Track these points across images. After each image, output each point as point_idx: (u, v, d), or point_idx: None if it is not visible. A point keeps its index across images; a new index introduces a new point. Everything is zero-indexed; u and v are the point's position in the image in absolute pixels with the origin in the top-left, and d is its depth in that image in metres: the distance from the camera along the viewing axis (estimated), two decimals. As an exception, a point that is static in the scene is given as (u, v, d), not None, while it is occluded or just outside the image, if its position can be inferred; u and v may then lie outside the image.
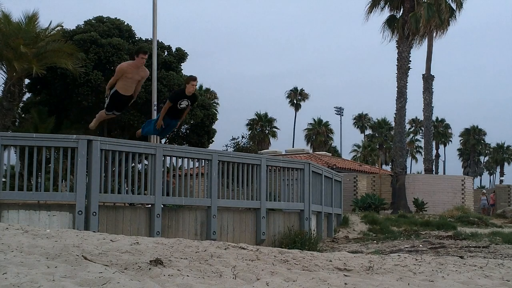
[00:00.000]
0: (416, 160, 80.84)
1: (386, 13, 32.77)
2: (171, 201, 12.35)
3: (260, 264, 5.40)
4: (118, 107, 9.89)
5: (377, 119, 78.02)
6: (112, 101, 9.81)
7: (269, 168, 13.43)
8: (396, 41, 31.89)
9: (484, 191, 38.18)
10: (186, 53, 33.09)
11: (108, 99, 9.79)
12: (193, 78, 10.24)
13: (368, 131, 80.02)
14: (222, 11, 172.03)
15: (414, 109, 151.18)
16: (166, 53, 32.39)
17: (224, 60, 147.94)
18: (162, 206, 11.59)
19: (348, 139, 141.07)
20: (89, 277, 4.25)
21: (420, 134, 74.61)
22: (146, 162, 12.30)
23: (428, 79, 34.69)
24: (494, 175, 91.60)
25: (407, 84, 31.34)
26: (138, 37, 32.10)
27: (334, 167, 32.24)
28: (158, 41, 24.31)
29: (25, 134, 13.76)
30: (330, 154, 47.97)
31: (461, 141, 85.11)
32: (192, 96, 10.54)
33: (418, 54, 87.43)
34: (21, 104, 29.80)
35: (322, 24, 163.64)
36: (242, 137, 35.31)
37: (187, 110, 10.87)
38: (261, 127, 71.44)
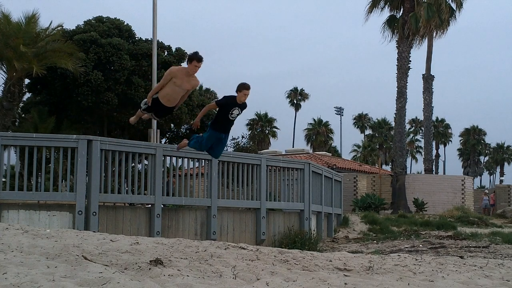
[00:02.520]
0: (416, 160, 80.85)
1: (386, 13, 32.80)
2: (171, 201, 12.36)
3: (260, 264, 5.40)
4: (158, 113, 8.82)
5: (377, 119, 78.02)
6: (151, 106, 8.76)
7: (269, 168, 13.43)
8: (396, 41, 31.90)
9: (486, 191, 38.18)
10: (186, 53, 33.07)
11: (148, 104, 8.66)
12: (246, 87, 9.11)
13: (368, 131, 80.00)
14: (222, 11, 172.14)
15: (414, 109, 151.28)
16: (166, 53, 32.40)
17: (224, 60, 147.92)
18: (162, 206, 11.60)
19: (348, 139, 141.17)
20: (89, 277, 4.24)
21: (420, 134, 74.59)
22: (146, 162, 12.29)
23: (428, 79, 34.68)
24: (494, 175, 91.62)
25: (407, 84, 31.34)
26: (138, 37, 32.10)
27: (334, 167, 32.23)
28: (158, 41, 24.37)
29: (25, 134, 13.76)
30: (330, 154, 47.95)
31: (461, 141, 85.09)
32: (243, 104, 9.39)
33: (418, 54, 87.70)
34: (21, 104, 29.78)
35: (322, 24, 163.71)
36: (242, 137, 35.29)
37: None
38: (261, 127, 71.41)
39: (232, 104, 8.95)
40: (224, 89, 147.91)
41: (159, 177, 11.21)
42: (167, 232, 11.24)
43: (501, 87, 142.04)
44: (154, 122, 19.13)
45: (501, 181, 70.78)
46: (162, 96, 8.13)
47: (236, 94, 8.96)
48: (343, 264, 5.78)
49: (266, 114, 71.69)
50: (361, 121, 79.79)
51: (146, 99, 8.40)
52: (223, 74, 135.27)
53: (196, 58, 7.96)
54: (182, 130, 34.42)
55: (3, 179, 10.76)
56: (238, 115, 9.08)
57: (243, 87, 8.95)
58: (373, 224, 18.94)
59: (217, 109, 8.95)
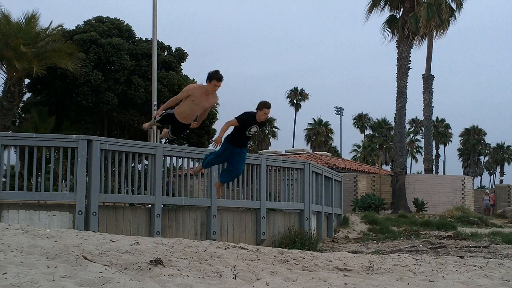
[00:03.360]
0: (416, 160, 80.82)
1: (386, 13, 32.80)
2: (171, 201, 12.36)
3: (260, 264, 5.40)
4: (174, 129, 8.44)
5: (377, 119, 77.98)
6: (165, 120, 8.38)
7: (269, 168, 13.43)
8: (396, 41, 31.90)
9: (488, 191, 38.16)
10: (186, 53, 33.10)
11: (159, 116, 8.29)
12: (267, 106, 8.92)
13: (368, 131, 79.99)
14: (222, 11, 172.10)
15: (414, 109, 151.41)
16: (166, 53, 32.40)
17: (224, 60, 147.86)
18: (162, 206, 11.59)
19: (348, 139, 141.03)
20: (89, 277, 4.24)
21: (420, 134, 74.58)
22: (146, 162, 12.29)
23: (428, 79, 34.68)
24: (494, 175, 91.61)
25: (407, 84, 31.34)
26: (138, 37, 32.10)
27: (334, 167, 32.23)
28: (158, 41, 24.37)
29: (25, 134, 13.76)
30: (330, 154, 47.95)
31: (461, 141, 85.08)
32: (261, 122, 9.20)
33: (418, 54, 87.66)
34: (21, 104, 29.80)
35: (322, 24, 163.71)
36: (242, 137, 35.21)
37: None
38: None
39: (251, 122, 8.83)
40: (224, 89, 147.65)
41: (159, 177, 11.21)
42: (167, 232, 11.24)
43: (501, 87, 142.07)
44: (154, 122, 19.12)
45: (501, 181, 70.81)
46: (179, 113, 7.89)
47: (255, 111, 8.78)
48: (343, 264, 5.78)
49: (266, 114, 71.56)
50: (361, 121, 79.77)
51: (162, 115, 8.11)
52: (223, 74, 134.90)
53: (216, 78, 7.75)
54: (182, 130, 34.36)
55: (3, 179, 10.76)
56: (256, 132, 8.97)
57: (264, 106, 8.81)
58: (373, 224, 18.93)
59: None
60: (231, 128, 9.35)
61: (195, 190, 12.90)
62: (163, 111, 8.10)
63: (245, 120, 8.72)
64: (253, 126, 8.82)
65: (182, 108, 7.82)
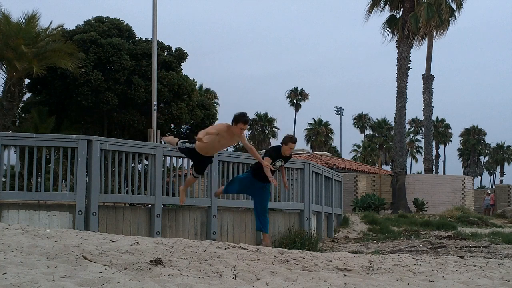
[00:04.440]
0: (416, 160, 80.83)
1: (386, 13, 32.80)
2: (171, 201, 12.36)
3: (260, 264, 5.40)
4: (196, 166, 8.26)
5: (377, 119, 78.01)
6: (185, 153, 8.36)
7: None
8: (396, 41, 31.90)
9: (489, 191, 38.16)
10: (186, 53, 33.10)
11: (183, 143, 8.18)
12: (293, 141, 8.94)
13: (368, 131, 80.00)
14: (222, 11, 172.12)
15: (414, 109, 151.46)
16: (166, 53, 32.39)
17: (224, 60, 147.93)
18: (162, 206, 11.59)
19: (348, 139, 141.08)
20: (89, 277, 4.24)
21: (420, 134, 74.59)
22: (146, 162, 12.29)
23: (428, 79, 34.68)
24: (494, 175, 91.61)
25: (407, 84, 31.35)
26: (138, 37, 32.10)
27: (334, 167, 32.23)
28: (158, 41, 24.37)
29: (25, 134, 13.76)
30: (330, 154, 47.96)
31: (461, 141, 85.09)
32: (286, 156, 9.17)
33: (418, 54, 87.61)
34: (21, 104, 29.80)
35: (322, 24, 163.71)
36: (242, 137, 35.22)
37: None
38: (261, 127, 71.44)
39: (277, 156, 8.85)
40: (224, 89, 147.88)
41: (159, 177, 11.21)
42: (167, 232, 11.24)
43: (501, 87, 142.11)
44: (154, 122, 19.15)
45: (501, 181, 70.82)
46: (200, 148, 7.84)
47: (280, 145, 8.87)
48: (343, 264, 5.77)
49: (266, 114, 71.72)
50: (361, 121, 79.77)
51: (185, 143, 8.05)
52: (223, 74, 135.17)
53: (242, 121, 7.65)
54: (182, 130, 34.42)
55: (3, 179, 10.76)
56: (280, 166, 8.92)
57: (290, 140, 8.86)
58: (373, 224, 18.93)
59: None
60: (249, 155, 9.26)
61: (195, 190, 12.90)
62: (184, 143, 8.03)
63: (273, 155, 8.77)
64: (278, 160, 8.85)
65: (204, 144, 7.68)
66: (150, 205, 11.34)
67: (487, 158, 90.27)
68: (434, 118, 59.74)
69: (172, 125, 32.88)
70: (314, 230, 14.55)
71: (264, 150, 9.38)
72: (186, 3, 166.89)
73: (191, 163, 8.44)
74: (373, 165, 53.42)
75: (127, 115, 29.98)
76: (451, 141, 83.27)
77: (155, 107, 19.50)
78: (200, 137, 7.20)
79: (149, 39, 30.29)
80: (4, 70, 25.15)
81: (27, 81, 28.72)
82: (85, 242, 5.93)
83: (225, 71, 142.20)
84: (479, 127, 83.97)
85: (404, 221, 20.30)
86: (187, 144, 7.96)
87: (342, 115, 66.94)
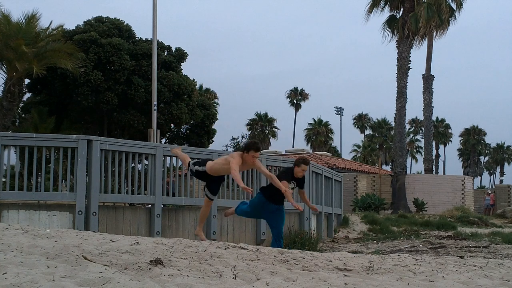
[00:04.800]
0: (416, 160, 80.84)
1: (386, 13, 32.81)
2: (171, 201, 12.36)
3: (260, 264, 5.40)
4: (210, 187, 8.23)
5: (377, 119, 78.02)
6: (197, 175, 8.32)
7: (269, 168, 13.43)
8: (396, 41, 31.90)
9: (489, 191, 38.17)
10: (186, 53, 33.11)
11: (194, 165, 8.19)
12: (306, 162, 8.88)
13: (368, 131, 80.00)
14: (222, 11, 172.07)
15: (414, 109, 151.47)
16: (166, 53, 32.40)
17: (224, 60, 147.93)
18: (162, 206, 11.60)
19: (348, 139, 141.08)
20: (89, 277, 4.24)
21: (420, 134, 74.60)
22: (146, 162, 12.29)
23: (428, 79, 34.68)
24: (494, 175, 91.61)
25: (407, 84, 31.35)
26: (138, 37, 32.11)
27: (334, 167, 32.23)
28: (158, 41, 24.36)
29: (25, 134, 13.77)
30: (330, 154, 47.95)
31: (461, 141, 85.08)
32: (300, 178, 9.09)
33: (418, 54, 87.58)
34: (21, 104, 29.81)
35: (322, 24, 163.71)
36: (242, 137, 35.35)
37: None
38: (261, 127, 71.44)
39: (291, 179, 8.76)
40: (224, 89, 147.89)
41: (159, 177, 11.21)
42: (167, 232, 11.24)
43: (501, 87, 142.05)
44: (154, 122, 19.15)
45: (501, 181, 70.84)
46: (211, 170, 7.90)
47: (292, 167, 8.81)
48: (343, 264, 5.77)
49: (266, 114, 71.71)
50: (361, 121, 79.78)
51: (196, 164, 8.10)
52: (223, 74, 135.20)
53: (254, 148, 7.71)
54: (182, 130, 34.43)
55: (3, 179, 10.76)
56: (293, 188, 8.77)
57: (303, 162, 8.81)
58: (373, 224, 18.93)
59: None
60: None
61: (195, 190, 12.91)
62: (195, 164, 8.07)
63: (287, 178, 8.64)
64: (291, 182, 8.74)
65: (216, 167, 7.84)
66: (150, 205, 11.35)
67: (487, 158, 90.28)
68: (434, 118, 59.72)
69: (172, 125, 32.89)
70: (314, 230, 14.55)
71: (279, 173, 9.25)
72: (186, 3, 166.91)
73: (203, 183, 8.47)
74: (373, 165, 53.43)
75: (127, 115, 29.98)
76: (451, 141, 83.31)
77: (155, 107, 19.49)
78: (209, 168, 7.61)
79: (149, 39, 30.29)
80: (4, 70, 25.16)
81: (27, 81, 28.72)
82: (85, 242, 5.93)
83: (225, 71, 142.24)
84: (479, 127, 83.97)
85: (404, 221, 20.30)
86: (198, 167, 8.00)
87: (342, 115, 66.95)
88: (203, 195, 12.32)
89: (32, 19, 24.83)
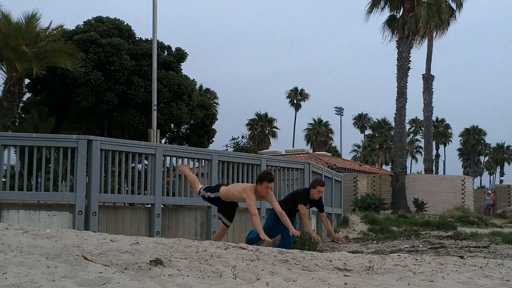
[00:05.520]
0: (416, 160, 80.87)
1: (386, 13, 32.80)
2: (171, 201, 12.35)
3: (260, 264, 5.40)
4: (222, 211, 8.24)
5: (377, 119, 78.04)
6: (210, 201, 8.36)
7: (269, 168, 13.43)
8: (396, 41, 31.90)
9: (489, 191, 38.17)
10: (186, 53, 33.11)
11: (206, 191, 8.18)
12: (321, 184, 8.83)
13: (368, 131, 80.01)
14: (222, 11, 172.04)
15: (414, 109, 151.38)
16: (166, 53, 32.41)
17: (224, 60, 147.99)
18: (162, 206, 11.59)
19: (348, 139, 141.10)
20: (89, 277, 4.24)
21: (420, 134, 74.61)
22: (146, 162, 12.30)
23: (428, 79, 34.68)
24: (494, 175, 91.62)
25: (407, 84, 31.34)
26: (138, 37, 32.11)
27: (334, 167, 32.23)
28: (158, 41, 24.37)
29: (25, 134, 13.76)
30: (330, 154, 47.95)
31: (461, 141, 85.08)
32: (313, 200, 9.02)
33: (418, 54, 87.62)
34: (21, 104, 29.81)
35: (322, 24, 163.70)
36: (242, 137, 35.37)
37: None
38: (261, 127, 71.44)
39: (306, 200, 8.80)
40: (224, 89, 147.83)
41: (159, 177, 11.20)
42: (167, 232, 11.24)
43: (502, 87, 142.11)
44: (154, 122, 19.15)
45: (501, 181, 70.84)
46: (224, 197, 7.90)
47: (309, 189, 8.81)
48: (343, 264, 5.77)
49: (266, 114, 71.71)
50: (361, 121, 79.79)
51: (207, 190, 8.05)
52: (223, 74, 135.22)
53: (267, 179, 7.65)
54: (182, 130, 34.42)
55: (3, 179, 10.76)
56: (308, 208, 8.82)
57: (319, 184, 8.81)
58: (373, 224, 18.92)
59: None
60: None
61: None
62: (207, 190, 8.04)
63: (304, 201, 8.71)
64: (307, 204, 8.80)
65: (230, 196, 7.86)
66: (150, 205, 11.34)
67: (487, 158, 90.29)
68: (434, 118, 59.74)
69: (172, 125, 32.89)
70: (314, 230, 14.54)
71: (294, 194, 9.05)
72: (186, 3, 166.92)
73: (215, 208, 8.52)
74: (373, 165, 53.43)
75: (127, 115, 29.98)
76: (451, 141, 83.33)
77: (155, 107, 19.49)
78: (223, 194, 7.60)
79: (149, 39, 30.30)
80: (4, 70, 25.16)
81: (27, 81, 28.73)
82: (85, 242, 5.93)
83: (225, 71, 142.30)
84: (479, 127, 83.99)
85: (404, 221, 20.28)
86: (210, 193, 7.96)
87: (342, 115, 66.96)
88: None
89: (32, 19, 24.83)
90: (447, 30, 32.40)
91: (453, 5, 32.55)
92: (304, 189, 9.25)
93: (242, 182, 12.69)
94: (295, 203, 8.63)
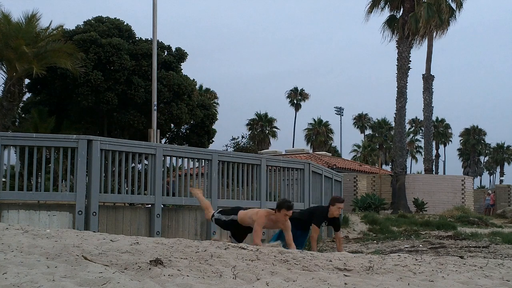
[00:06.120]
0: (416, 160, 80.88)
1: (386, 13, 32.81)
2: (171, 201, 12.35)
3: (260, 264, 5.40)
4: (235, 235, 8.13)
5: (377, 119, 78.07)
6: (225, 225, 8.28)
7: (269, 168, 13.43)
8: (396, 41, 31.90)
9: (490, 191, 38.17)
10: (186, 53, 33.10)
11: (220, 215, 8.14)
12: (340, 201, 8.78)
13: (368, 131, 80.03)
14: (222, 11, 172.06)
15: (414, 109, 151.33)
16: (166, 53, 32.39)
17: (224, 60, 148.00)
18: (162, 206, 11.59)
19: (348, 139, 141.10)
20: (89, 277, 4.24)
21: (420, 134, 74.62)
22: (146, 162, 12.30)
23: (428, 79, 34.68)
24: (494, 175, 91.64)
25: (407, 84, 31.34)
26: (138, 37, 32.10)
27: (334, 167, 32.23)
28: (158, 41, 24.36)
29: (25, 134, 13.75)
30: (330, 154, 47.96)
31: (461, 141, 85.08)
32: (332, 218, 8.93)
33: (418, 54, 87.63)
34: (21, 104, 29.80)
35: (322, 24, 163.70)
36: (242, 137, 35.35)
37: None
38: (261, 127, 71.45)
39: (323, 220, 8.72)
40: (224, 89, 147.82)
41: (159, 177, 11.20)
42: (167, 232, 11.23)
43: (501, 87, 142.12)
44: (154, 122, 19.14)
45: (501, 181, 70.85)
46: (243, 222, 7.85)
47: (327, 207, 8.68)
48: (343, 264, 5.77)
49: (266, 114, 71.72)
50: (361, 121, 79.80)
51: (222, 213, 8.02)
52: (223, 74, 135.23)
53: (285, 207, 7.59)
54: (182, 130, 34.42)
55: (3, 179, 10.76)
56: (324, 225, 8.92)
57: (337, 201, 8.74)
58: (373, 224, 18.92)
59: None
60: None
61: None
62: (222, 214, 7.99)
63: (319, 221, 8.67)
64: (324, 222, 8.75)
65: (247, 221, 7.76)
66: (150, 205, 11.34)
67: (487, 158, 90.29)
68: (434, 118, 59.74)
69: (172, 125, 32.89)
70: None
71: (311, 213, 8.91)
72: (186, 3, 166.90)
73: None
74: (373, 165, 53.43)
75: (127, 115, 29.98)
76: (451, 141, 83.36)
77: (155, 107, 19.49)
78: (241, 219, 7.57)
79: (149, 39, 30.29)
80: (4, 70, 25.15)
81: (27, 81, 28.72)
82: (85, 242, 5.93)
83: (225, 71, 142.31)
84: (479, 127, 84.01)
85: (404, 221, 20.29)
86: (225, 217, 7.91)
87: (342, 115, 66.98)
88: (203, 195, 12.34)
89: (32, 19, 24.82)
90: (447, 30, 32.43)
91: (453, 5, 32.56)
92: (322, 208, 9.09)
93: (242, 181, 12.71)
94: (310, 222, 8.56)
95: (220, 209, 8.32)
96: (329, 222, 8.89)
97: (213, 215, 8.15)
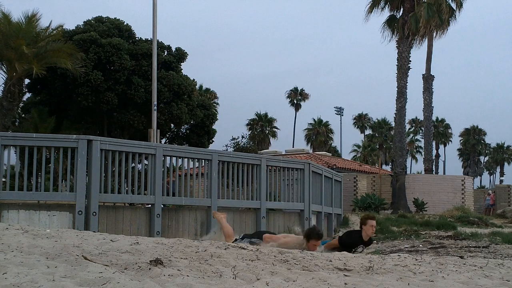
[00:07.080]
0: (416, 160, 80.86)
1: (386, 13, 32.77)
2: (171, 201, 12.35)
3: (260, 264, 5.40)
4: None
5: (377, 119, 78.05)
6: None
7: (269, 168, 13.43)
8: (396, 41, 31.88)
9: (489, 191, 38.15)
10: (186, 52, 33.11)
11: (246, 239, 8.24)
12: (371, 217, 8.45)
13: (368, 131, 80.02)
14: (222, 11, 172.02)
15: (414, 109, 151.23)
16: (166, 53, 32.40)
17: (224, 60, 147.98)
18: (162, 206, 11.59)
19: (348, 139, 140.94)
20: (89, 277, 4.24)
21: (420, 134, 74.62)
22: (146, 162, 12.30)
23: (428, 79, 34.66)
24: (494, 175, 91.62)
25: (407, 84, 31.32)
26: (138, 37, 32.10)
27: (334, 167, 32.22)
28: (158, 41, 24.36)
29: (25, 134, 13.75)
30: (330, 154, 47.94)
31: (461, 141, 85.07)
32: (369, 240, 8.57)
33: (418, 54, 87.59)
34: (21, 104, 29.81)
35: (322, 24, 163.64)
36: (242, 137, 35.29)
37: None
38: (261, 127, 71.45)
39: (356, 243, 8.21)
40: (224, 89, 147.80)
41: (159, 177, 11.20)
42: (167, 232, 11.23)
43: (501, 87, 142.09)
44: (154, 122, 19.14)
45: (501, 181, 70.81)
46: (268, 242, 7.80)
47: (360, 229, 8.22)
48: (343, 264, 5.77)
49: (266, 114, 71.72)
50: (361, 121, 79.80)
51: (246, 238, 8.06)
52: (223, 74, 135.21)
53: (315, 237, 7.42)
54: (182, 130, 34.42)
55: (3, 179, 10.76)
56: (361, 252, 8.06)
57: (369, 218, 8.31)
58: (373, 224, 18.88)
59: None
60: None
61: (195, 190, 12.91)
62: (246, 239, 8.02)
63: (347, 243, 8.14)
64: (359, 246, 8.24)
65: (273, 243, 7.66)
66: (150, 205, 11.34)
67: (487, 158, 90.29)
68: (434, 118, 59.69)
69: (172, 125, 32.89)
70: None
71: (346, 237, 8.53)
72: (186, 3, 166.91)
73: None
74: (373, 165, 53.42)
75: (127, 115, 29.99)
76: (451, 141, 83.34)
77: (155, 107, 19.49)
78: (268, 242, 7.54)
79: (149, 39, 30.29)
80: (4, 70, 25.16)
81: (27, 81, 28.73)
82: (85, 242, 5.93)
83: (225, 71, 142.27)
84: (479, 127, 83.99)
85: (404, 221, 20.27)
86: (252, 240, 7.88)
87: (342, 115, 66.96)
88: (203, 195, 12.35)
89: (32, 19, 24.83)
90: (447, 30, 32.39)
91: (453, 5, 32.54)
92: (353, 233, 8.53)
93: (242, 181, 12.70)
94: (345, 246, 8.18)
95: (243, 234, 8.32)
96: (366, 244, 8.53)
97: (235, 240, 8.09)
